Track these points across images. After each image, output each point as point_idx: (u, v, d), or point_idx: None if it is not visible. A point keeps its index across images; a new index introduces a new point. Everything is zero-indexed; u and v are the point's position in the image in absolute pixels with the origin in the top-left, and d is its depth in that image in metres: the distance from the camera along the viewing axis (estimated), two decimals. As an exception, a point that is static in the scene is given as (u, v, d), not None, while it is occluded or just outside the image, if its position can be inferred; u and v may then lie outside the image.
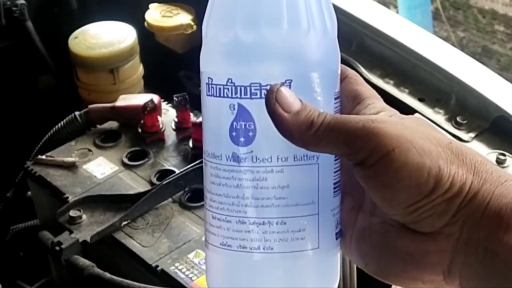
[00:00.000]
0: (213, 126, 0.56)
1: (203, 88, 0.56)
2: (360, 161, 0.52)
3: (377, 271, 0.56)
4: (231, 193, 0.55)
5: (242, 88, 0.54)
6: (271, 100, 0.53)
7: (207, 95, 0.56)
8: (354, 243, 0.57)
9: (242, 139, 0.55)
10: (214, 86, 0.55)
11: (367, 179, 0.53)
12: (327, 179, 0.56)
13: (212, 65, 0.56)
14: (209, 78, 0.55)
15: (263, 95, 0.54)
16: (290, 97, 0.53)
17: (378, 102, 0.57)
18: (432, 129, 0.55)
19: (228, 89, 0.54)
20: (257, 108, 0.54)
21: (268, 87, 0.54)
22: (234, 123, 0.55)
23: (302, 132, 0.53)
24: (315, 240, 0.56)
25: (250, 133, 0.54)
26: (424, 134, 0.53)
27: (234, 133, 0.55)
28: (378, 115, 0.55)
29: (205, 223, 0.58)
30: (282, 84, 0.54)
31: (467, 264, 0.52)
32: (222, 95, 0.55)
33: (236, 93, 0.54)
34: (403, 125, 0.53)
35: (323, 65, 0.56)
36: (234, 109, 0.54)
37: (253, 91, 0.54)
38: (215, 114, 0.56)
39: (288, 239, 0.56)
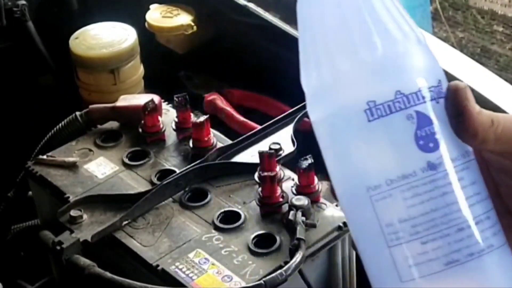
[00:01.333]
0: (389, 149, 0.54)
1: (359, 119, 0.54)
2: None
3: None
4: (439, 204, 0.53)
5: (414, 95, 0.54)
6: (462, 96, 0.55)
7: (370, 120, 0.53)
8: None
9: (431, 145, 0.53)
10: (380, 107, 0.53)
11: None
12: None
13: (367, 88, 0.54)
14: (368, 103, 0.54)
15: (433, 97, 0.54)
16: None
17: None
18: None
19: (399, 101, 0.53)
20: (433, 110, 0.54)
21: (437, 88, 0.54)
22: (418, 131, 0.53)
23: (485, 130, 0.54)
24: (502, 231, 0.56)
25: (436, 136, 0.54)
26: None
27: (421, 142, 0.53)
28: None
29: (407, 259, 0.54)
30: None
31: None
32: (393, 110, 0.53)
33: (409, 102, 0.53)
34: None
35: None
36: (412, 117, 0.53)
37: (423, 94, 0.54)
38: (388, 135, 0.54)
39: (497, 232, 0.55)
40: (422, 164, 0.53)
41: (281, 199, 1.11)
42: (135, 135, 1.28)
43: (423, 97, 0.54)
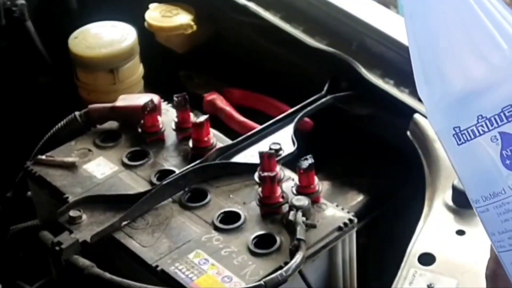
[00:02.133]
0: (478, 170, 0.56)
1: (451, 142, 0.56)
2: None
3: None
4: None
5: (496, 117, 0.54)
6: None
7: (459, 144, 0.56)
8: None
9: None
10: (465, 132, 0.55)
11: None
12: None
13: (452, 115, 0.56)
14: (454, 128, 0.55)
15: None
16: None
17: None
18: None
19: (482, 125, 0.54)
20: None
21: None
22: (503, 152, 0.55)
23: None
24: None
25: None
26: None
27: (507, 161, 0.55)
28: None
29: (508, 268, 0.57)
30: None
31: None
32: (477, 134, 0.55)
33: (492, 125, 0.54)
34: None
35: None
36: (497, 139, 0.54)
37: (507, 114, 0.54)
38: (476, 158, 0.55)
39: None
40: (510, 182, 0.55)
41: (281, 200, 1.11)
42: (134, 135, 1.28)
43: (507, 117, 0.54)
